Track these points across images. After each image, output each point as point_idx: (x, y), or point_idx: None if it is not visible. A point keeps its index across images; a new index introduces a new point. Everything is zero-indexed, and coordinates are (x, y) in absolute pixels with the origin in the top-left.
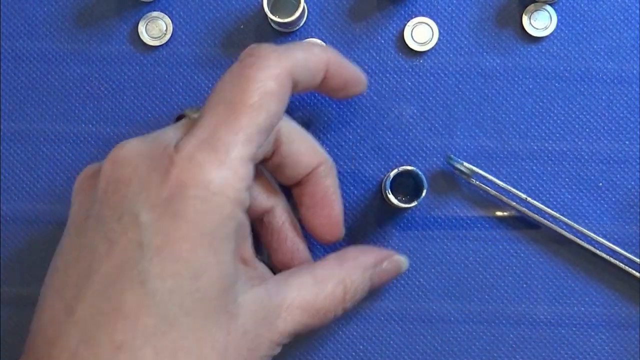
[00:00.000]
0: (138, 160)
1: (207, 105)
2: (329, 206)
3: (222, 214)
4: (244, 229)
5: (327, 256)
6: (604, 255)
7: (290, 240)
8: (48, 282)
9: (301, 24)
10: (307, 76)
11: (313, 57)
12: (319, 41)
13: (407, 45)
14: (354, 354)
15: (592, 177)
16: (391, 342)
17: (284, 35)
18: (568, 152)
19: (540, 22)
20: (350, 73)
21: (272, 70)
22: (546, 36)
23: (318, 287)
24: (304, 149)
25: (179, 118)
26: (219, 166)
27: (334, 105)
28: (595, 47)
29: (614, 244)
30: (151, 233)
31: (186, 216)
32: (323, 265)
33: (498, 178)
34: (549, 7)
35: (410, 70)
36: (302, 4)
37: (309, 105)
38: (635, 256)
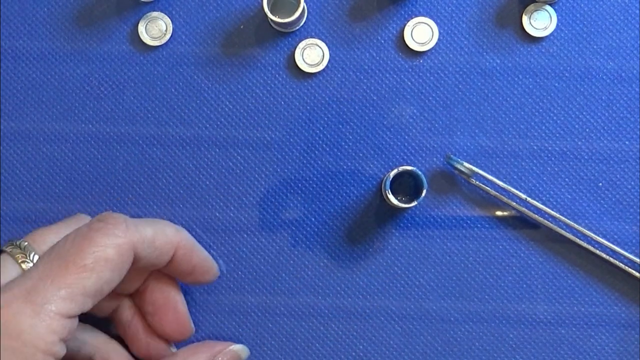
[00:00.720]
0: None
1: (43, 256)
2: (173, 309)
3: None
4: None
5: None
6: (604, 255)
7: (142, 332)
8: None
9: (301, 24)
10: (152, 254)
11: (162, 237)
12: (173, 225)
13: (407, 45)
14: (354, 354)
15: (592, 177)
16: (391, 342)
17: (284, 35)
18: (568, 152)
19: (540, 22)
20: (200, 261)
21: (115, 239)
22: (546, 36)
23: None
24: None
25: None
26: (33, 317)
27: (334, 105)
28: (595, 46)
29: (613, 244)
30: None
31: None
32: None
33: (498, 178)
34: (549, 7)
35: (410, 70)
36: (302, 4)
37: (308, 105)
38: (635, 256)
